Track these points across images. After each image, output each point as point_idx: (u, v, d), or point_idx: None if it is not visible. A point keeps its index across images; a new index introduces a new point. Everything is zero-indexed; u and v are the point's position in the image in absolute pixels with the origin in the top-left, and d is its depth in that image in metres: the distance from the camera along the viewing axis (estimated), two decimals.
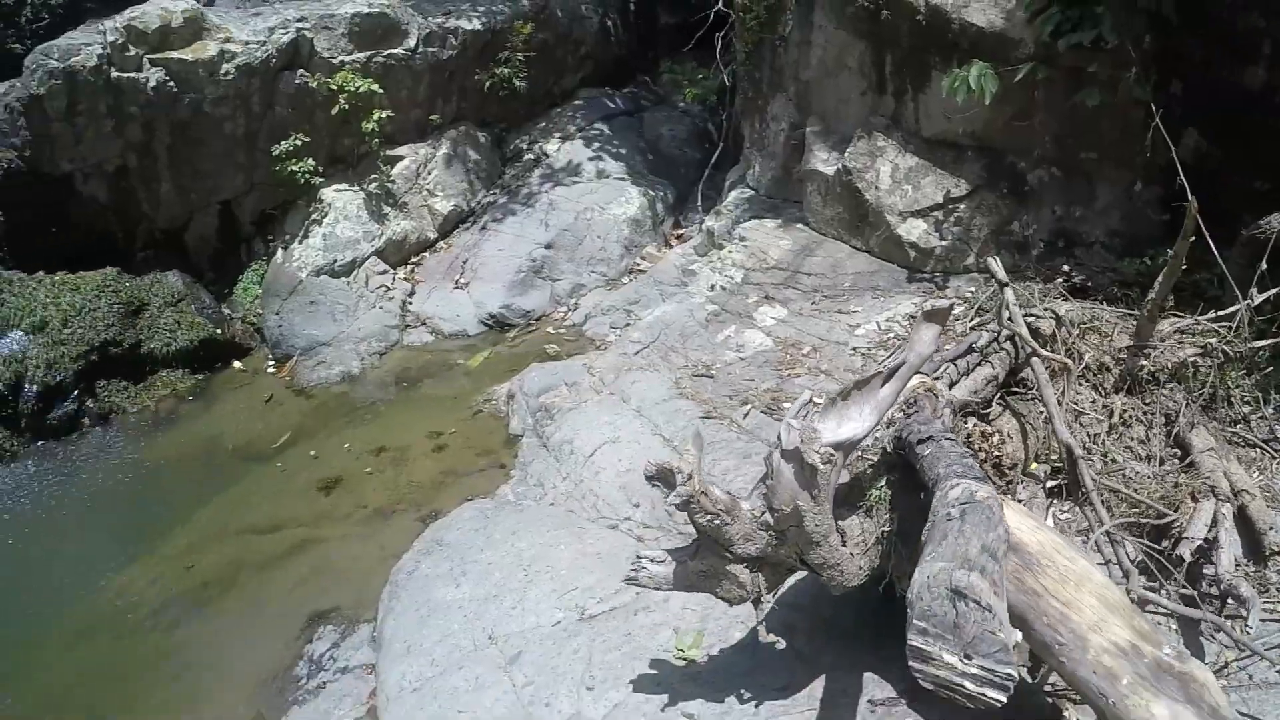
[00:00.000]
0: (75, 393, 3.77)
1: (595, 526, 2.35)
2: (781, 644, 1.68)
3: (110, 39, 3.99)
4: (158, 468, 3.47)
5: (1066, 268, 2.70)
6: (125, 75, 4.02)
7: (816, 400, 1.28)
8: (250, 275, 4.45)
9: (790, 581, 1.70)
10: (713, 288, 3.72)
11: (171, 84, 4.12)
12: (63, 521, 3.19)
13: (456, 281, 4.32)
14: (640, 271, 4.42)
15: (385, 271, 4.37)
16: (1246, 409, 1.96)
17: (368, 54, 4.61)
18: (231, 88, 4.25)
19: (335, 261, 4.29)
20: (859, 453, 1.36)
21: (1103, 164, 2.76)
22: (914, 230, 3.29)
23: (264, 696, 2.29)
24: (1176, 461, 1.88)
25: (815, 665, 1.59)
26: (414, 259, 4.52)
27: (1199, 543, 1.64)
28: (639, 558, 1.44)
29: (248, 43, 4.32)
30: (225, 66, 4.24)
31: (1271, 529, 1.73)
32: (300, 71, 4.44)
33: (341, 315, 4.08)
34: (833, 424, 1.21)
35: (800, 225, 3.89)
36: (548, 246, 4.38)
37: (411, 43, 4.77)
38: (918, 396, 1.56)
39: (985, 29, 2.83)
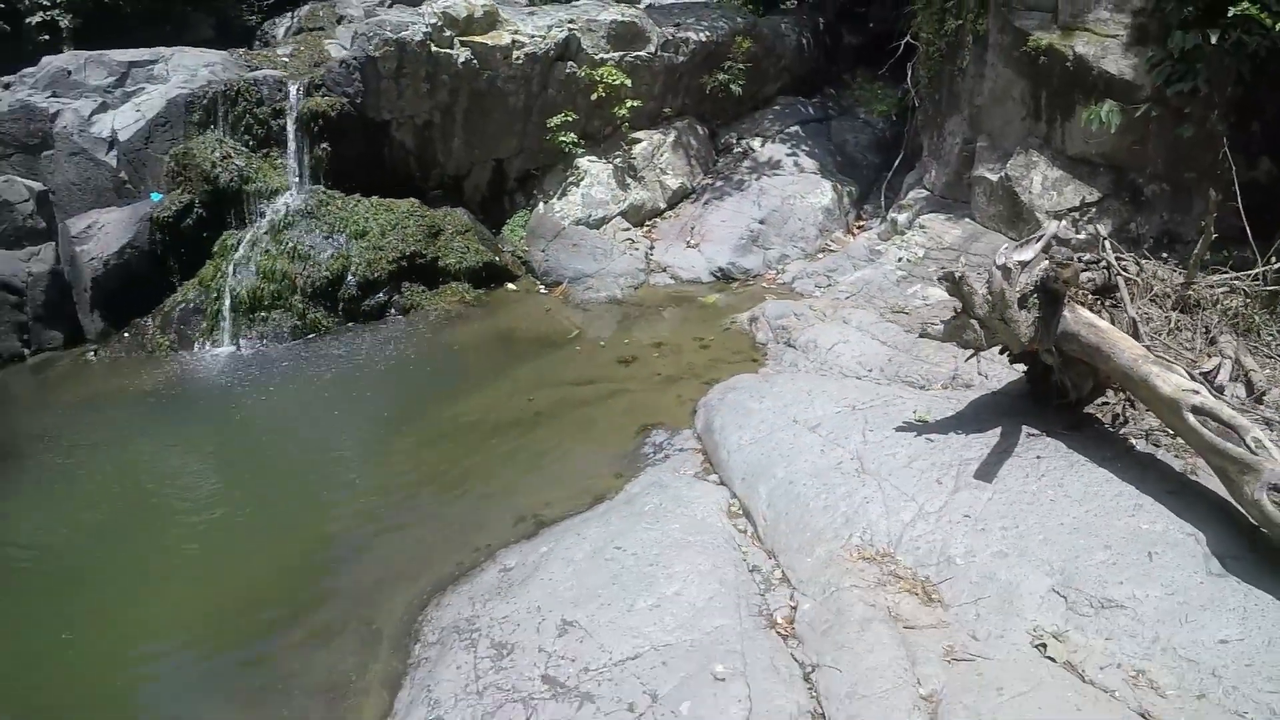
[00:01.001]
0: (386, 289, 6.39)
1: (846, 378, 4.72)
2: (974, 416, 3.98)
3: (430, 21, 6.77)
4: (464, 347, 5.97)
5: (1165, 256, 5.03)
6: (441, 50, 6.76)
7: (1009, 245, 3.54)
8: (516, 219, 7.10)
9: (972, 395, 4.01)
10: (899, 260, 6.15)
11: (474, 61, 6.87)
12: (384, 376, 5.64)
13: (688, 241, 6.87)
14: (830, 250, 6.89)
15: (628, 229, 6.96)
16: (1269, 339, 4.19)
17: (620, 53, 7.34)
18: (518, 70, 6.99)
19: (590, 216, 6.92)
20: (1026, 276, 3.54)
21: (1200, 181, 5.08)
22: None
23: (620, 466, 4.62)
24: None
25: (993, 423, 3.88)
26: (648, 222, 7.12)
27: (1216, 378, 3.89)
28: (926, 323, 3.78)
29: (532, 35, 7.09)
30: (515, 53, 6.99)
31: (1266, 388, 3.97)
32: (570, 63, 7.18)
33: (600, 256, 6.66)
34: (1016, 254, 3.44)
35: (968, 219, 6.31)
36: (760, 222, 6.91)
37: (652, 48, 7.49)
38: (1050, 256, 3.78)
39: (1115, 75, 5.23)
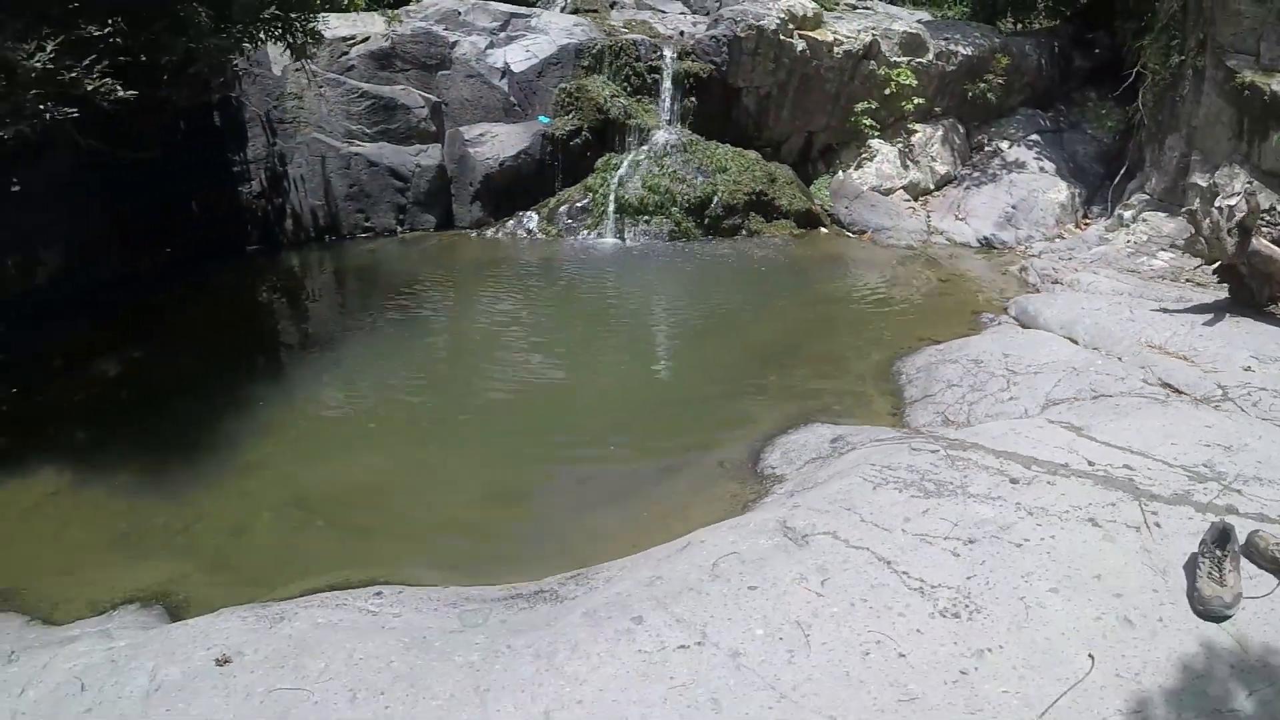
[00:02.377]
0: (739, 214, 11.95)
1: (1106, 295, 10.28)
2: (1197, 309, 9.49)
3: (779, 15, 12.51)
4: (806, 260, 11.45)
5: None
6: (786, 39, 12.49)
7: (1223, 196, 8.85)
8: (820, 181, 12.72)
9: (1193, 302, 9.60)
10: (1127, 242, 11.79)
11: (807, 51, 12.57)
12: (744, 273, 11.13)
13: (955, 215, 12.49)
14: (1064, 237, 12.53)
15: (908, 200, 12.59)
16: None
17: (908, 58, 13.11)
18: (835, 62, 12.71)
19: (880, 186, 12.55)
20: (1231, 220, 8.89)
21: None
22: None
23: (970, 325, 9.99)
24: None
25: (1209, 310, 9.37)
26: (921, 198, 12.77)
27: None
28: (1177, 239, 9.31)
29: (847, 36, 12.86)
30: (836, 49, 12.74)
31: None
32: (871, 62, 12.93)
33: (893, 216, 12.26)
34: (1227, 202, 8.67)
35: (1180, 218, 11.98)
36: (1012, 207, 12.55)
37: (930, 56, 13.28)
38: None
39: None
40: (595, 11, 13.98)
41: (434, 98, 12.42)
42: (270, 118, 11.85)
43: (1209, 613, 3.35)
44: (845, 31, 12.79)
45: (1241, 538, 3.66)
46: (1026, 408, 6.34)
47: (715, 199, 11.76)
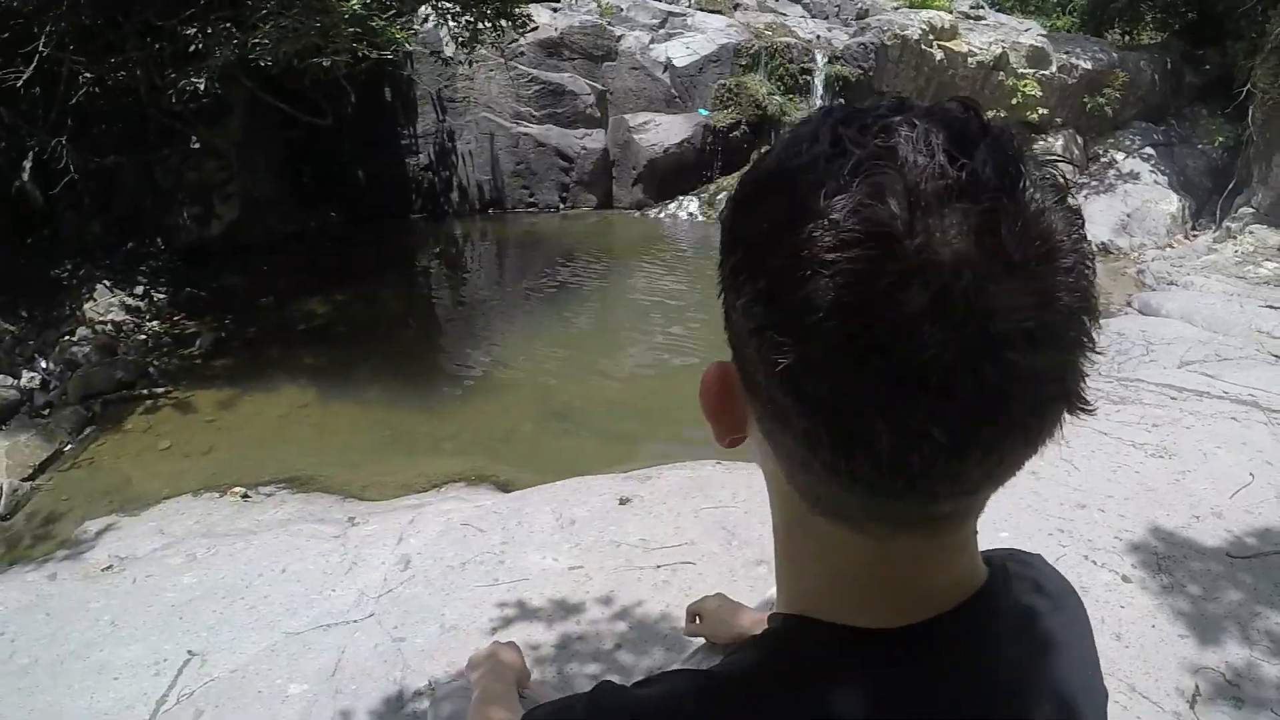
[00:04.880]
0: None
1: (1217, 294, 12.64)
2: None
3: (920, 26, 14.92)
4: None
5: None
6: (925, 49, 14.89)
7: None
8: None
9: None
10: (1235, 252, 14.11)
11: (944, 60, 14.96)
12: None
13: None
14: (1174, 246, 14.87)
15: None
16: None
17: (1033, 70, 15.50)
18: (970, 72, 15.09)
19: None
20: None
21: None
22: None
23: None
24: None
25: None
26: None
27: None
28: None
29: (980, 47, 15.27)
30: (970, 60, 15.14)
31: None
32: (1000, 72, 15.32)
33: None
34: None
35: None
36: (1127, 215, 14.86)
37: (1053, 68, 15.65)
38: None
39: None
40: (719, 12, 16.40)
41: (599, 86, 14.81)
42: (440, 96, 14.07)
43: None
44: (978, 43, 15.16)
45: None
46: (1166, 366, 8.68)
47: None
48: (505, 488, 5.67)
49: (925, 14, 14.74)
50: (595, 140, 14.48)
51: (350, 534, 4.75)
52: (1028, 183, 0.64)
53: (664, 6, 15.37)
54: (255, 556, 4.54)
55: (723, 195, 14.11)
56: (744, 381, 0.73)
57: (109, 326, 8.41)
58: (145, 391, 7.61)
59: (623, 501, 4.82)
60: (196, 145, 10.30)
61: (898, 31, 14.38)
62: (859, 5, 17.01)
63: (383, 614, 3.93)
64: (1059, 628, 0.88)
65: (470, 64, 12.19)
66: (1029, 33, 15.60)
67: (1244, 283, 13.04)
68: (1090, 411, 0.68)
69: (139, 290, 9.33)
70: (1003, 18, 16.42)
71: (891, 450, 0.63)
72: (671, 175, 14.39)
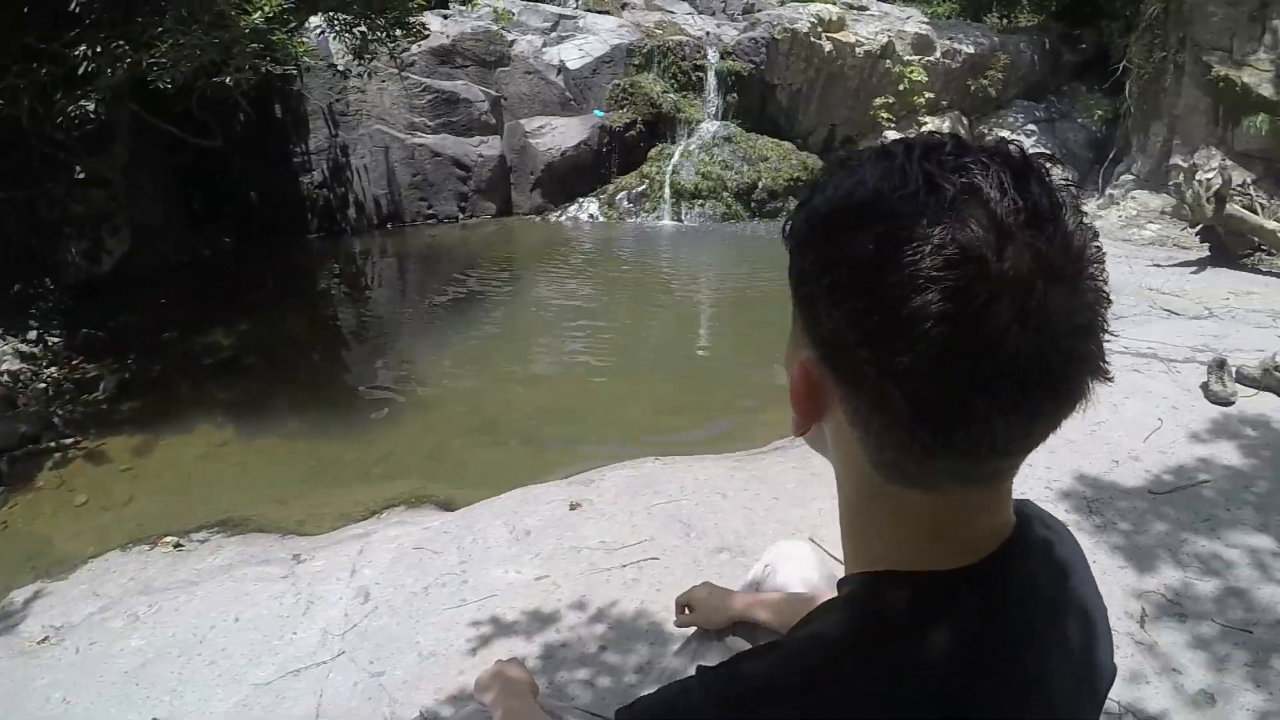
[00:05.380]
0: (780, 198, 14.62)
1: None
2: (1184, 262, 12.53)
3: (809, 19, 15.38)
4: None
5: None
6: (815, 41, 15.33)
7: (1203, 169, 11.90)
8: None
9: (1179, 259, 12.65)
10: (1120, 216, 14.81)
11: (833, 51, 15.41)
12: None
13: None
14: None
15: None
16: None
17: (919, 57, 16.06)
18: (858, 61, 15.55)
19: None
20: (1208, 190, 11.96)
21: None
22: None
23: None
24: None
25: (1193, 264, 12.43)
26: None
27: None
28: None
29: (867, 37, 15.77)
30: (858, 50, 15.63)
31: None
32: (887, 60, 15.84)
33: None
34: (1205, 174, 11.75)
35: (1165, 194, 15.03)
36: None
37: (938, 54, 16.24)
38: None
39: (1267, 97, 13.94)
40: (607, 12, 16.63)
41: (494, 92, 14.83)
42: (332, 110, 13.81)
43: (1218, 400, 6.08)
44: (865, 33, 15.64)
45: (1232, 372, 6.49)
46: None
47: (759, 184, 14.45)
48: (448, 506, 5.59)
49: (814, 7, 15.18)
50: (491, 147, 14.50)
51: (299, 572, 4.61)
52: (1067, 210, 0.82)
53: (555, 9, 15.54)
54: (203, 608, 4.35)
55: (622, 194, 14.29)
56: (837, 376, 0.89)
57: (4, 377, 7.81)
58: (53, 444, 7.13)
59: (573, 507, 4.87)
60: (81, 175, 9.77)
61: (788, 25, 14.77)
62: (745, 1, 17.41)
63: (353, 650, 3.84)
64: (1068, 555, 1.09)
65: (363, 75, 12.08)
66: (912, 20, 16.14)
67: (1130, 245, 13.70)
68: (1111, 379, 0.87)
69: (32, 335, 8.76)
70: (886, 7, 16.95)
71: (984, 426, 0.82)
72: (570, 178, 14.53)
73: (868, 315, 0.81)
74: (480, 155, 14.39)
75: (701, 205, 14.12)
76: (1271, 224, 11.08)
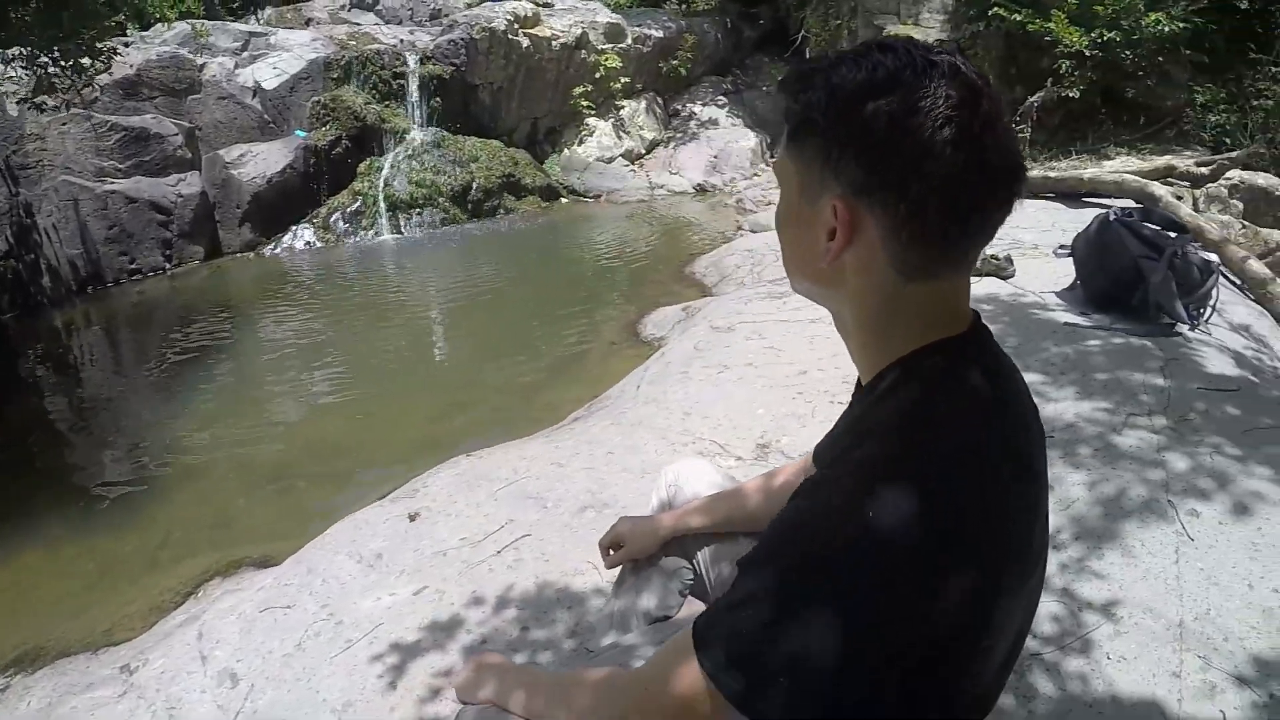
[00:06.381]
0: (495, 196, 15.10)
1: None
2: None
3: (506, 17, 15.83)
4: (567, 221, 14.86)
5: None
6: (511, 37, 15.78)
7: None
8: (551, 160, 16.01)
9: None
10: None
11: (530, 46, 15.85)
12: (513, 239, 14.48)
13: (670, 170, 16.22)
14: (757, 175, 16.69)
15: (628, 164, 16.19)
16: None
17: (612, 45, 16.77)
18: (554, 54, 16.09)
19: (602, 156, 16.03)
20: None
21: None
22: None
23: (710, 247, 13.75)
24: None
25: None
26: (637, 161, 16.48)
27: None
28: None
29: (562, 30, 16.37)
30: (554, 43, 16.19)
31: None
32: (583, 50, 16.48)
33: (620, 179, 15.76)
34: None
35: None
36: (714, 157, 16.44)
37: (629, 40, 17.01)
38: None
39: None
40: (299, 27, 16.58)
41: (187, 123, 13.86)
42: (9, 164, 12.27)
43: None
44: (559, 27, 16.20)
45: None
46: None
47: (474, 185, 14.73)
48: (268, 563, 5.09)
49: (509, 5, 15.61)
50: (190, 184, 13.53)
51: (138, 682, 3.91)
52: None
53: (243, 28, 15.28)
54: None
55: (336, 215, 14.12)
56: (874, 200, 1.19)
57: None
58: None
59: (412, 517, 4.57)
60: None
61: (485, 25, 15.12)
62: (431, 6, 17.66)
63: None
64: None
65: (41, 120, 10.83)
66: (602, 12, 16.93)
67: None
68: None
69: None
70: (573, 1, 17.60)
71: (982, 216, 1.18)
72: (279, 206, 13.95)
73: (908, 150, 1.14)
74: (179, 195, 13.16)
75: (419, 214, 14.26)
76: None
